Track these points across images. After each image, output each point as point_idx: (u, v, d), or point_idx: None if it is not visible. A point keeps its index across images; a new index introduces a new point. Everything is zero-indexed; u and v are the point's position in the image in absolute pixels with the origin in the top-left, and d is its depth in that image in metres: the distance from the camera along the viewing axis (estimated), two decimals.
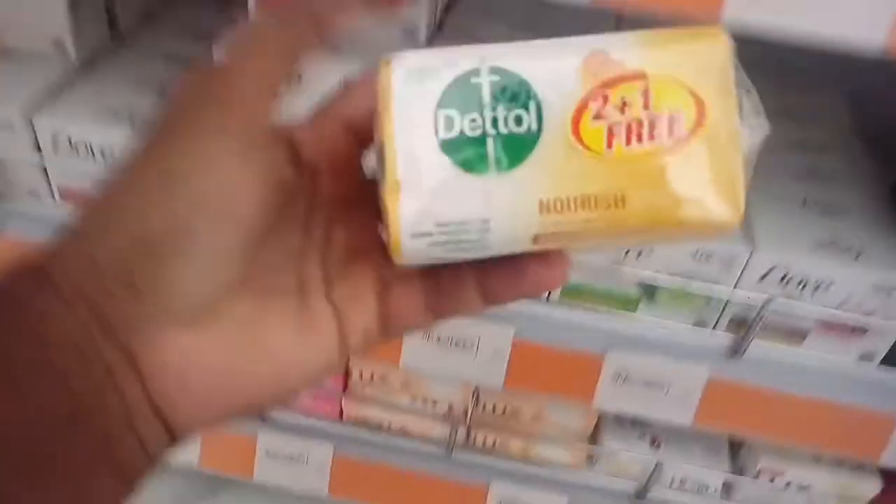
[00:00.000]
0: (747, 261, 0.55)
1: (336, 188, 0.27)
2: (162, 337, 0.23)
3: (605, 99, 0.22)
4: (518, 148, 0.23)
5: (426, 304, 0.27)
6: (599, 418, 0.74)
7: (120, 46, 0.65)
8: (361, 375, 0.72)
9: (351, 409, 0.75)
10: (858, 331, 0.57)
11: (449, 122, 0.23)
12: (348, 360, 0.28)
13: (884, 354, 0.58)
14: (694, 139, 0.22)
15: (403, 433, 0.76)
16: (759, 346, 0.58)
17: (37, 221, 0.59)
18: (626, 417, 0.75)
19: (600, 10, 0.41)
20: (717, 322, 0.59)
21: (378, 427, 0.76)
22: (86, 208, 0.24)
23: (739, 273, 0.56)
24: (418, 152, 0.23)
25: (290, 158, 0.26)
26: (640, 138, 0.22)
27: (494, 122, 0.23)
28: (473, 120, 0.23)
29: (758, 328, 0.56)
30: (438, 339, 0.60)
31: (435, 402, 0.74)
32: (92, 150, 0.56)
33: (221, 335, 0.24)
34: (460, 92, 0.23)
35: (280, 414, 0.75)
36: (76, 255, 0.23)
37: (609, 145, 0.23)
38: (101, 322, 0.22)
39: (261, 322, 0.25)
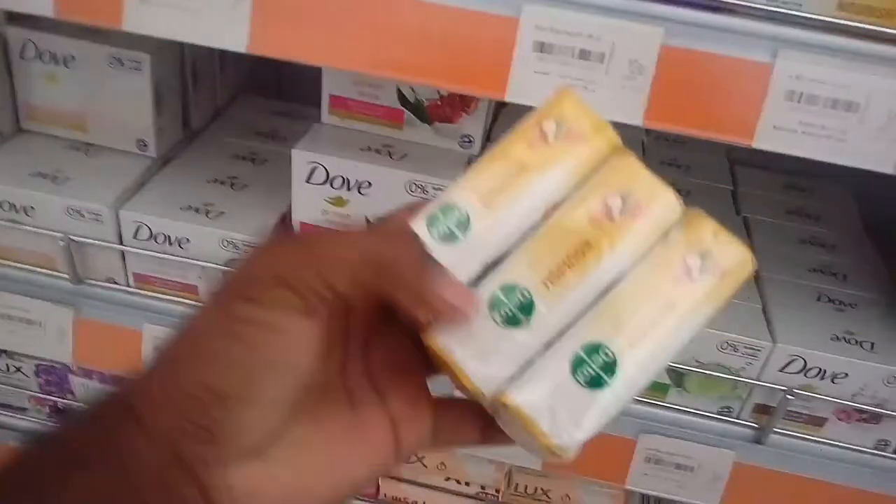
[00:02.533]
0: (770, 353, 0.59)
1: (370, 310, 0.30)
2: (232, 472, 0.26)
3: None
4: None
5: (482, 430, 0.31)
6: (626, 501, 0.76)
7: (192, 142, 0.71)
8: None
9: (387, 487, 0.78)
10: (873, 419, 0.61)
11: None
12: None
13: None
14: None
15: None
16: (782, 433, 0.62)
17: (112, 304, 0.64)
18: (652, 500, 0.78)
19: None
20: (741, 409, 0.63)
21: None
22: (165, 350, 0.27)
23: (762, 364, 0.60)
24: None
25: (335, 301, 0.27)
26: None
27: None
28: None
29: (780, 415, 0.61)
30: None
31: (468, 483, 0.76)
32: (169, 240, 0.61)
33: (282, 458, 0.27)
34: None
35: None
36: (161, 397, 0.26)
37: None
38: (180, 459, 0.25)
39: (317, 439, 0.28)
